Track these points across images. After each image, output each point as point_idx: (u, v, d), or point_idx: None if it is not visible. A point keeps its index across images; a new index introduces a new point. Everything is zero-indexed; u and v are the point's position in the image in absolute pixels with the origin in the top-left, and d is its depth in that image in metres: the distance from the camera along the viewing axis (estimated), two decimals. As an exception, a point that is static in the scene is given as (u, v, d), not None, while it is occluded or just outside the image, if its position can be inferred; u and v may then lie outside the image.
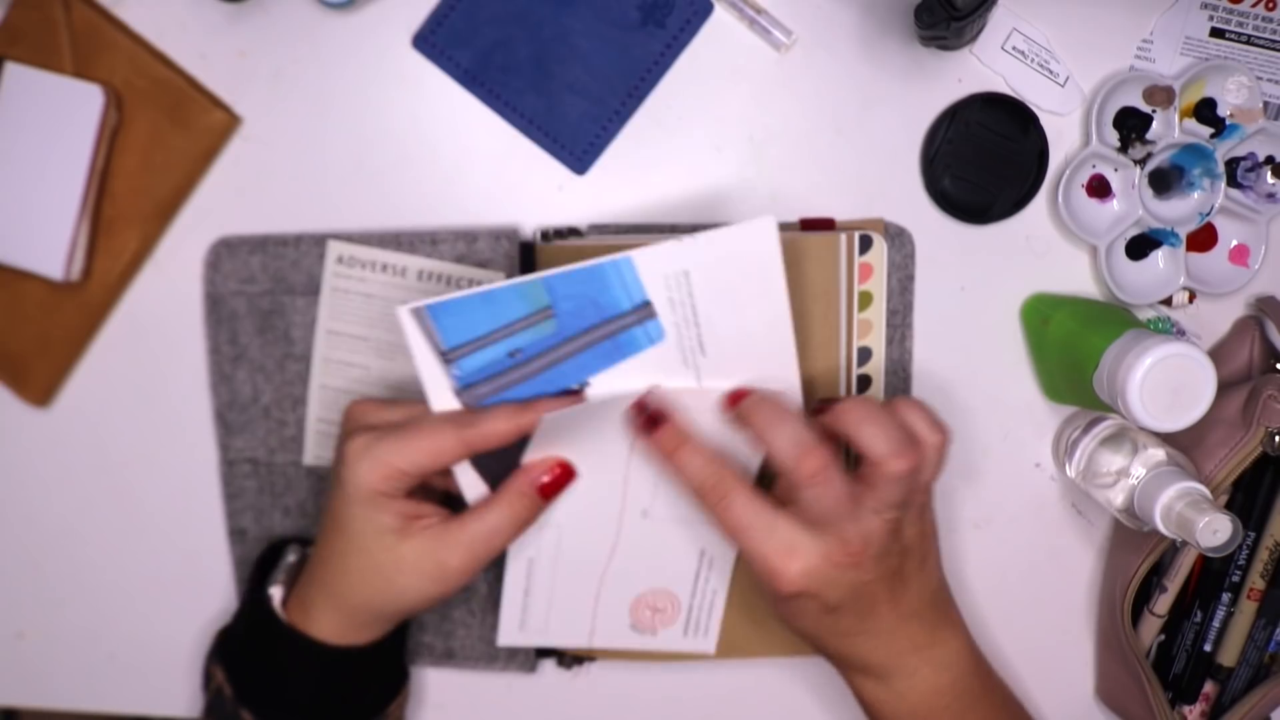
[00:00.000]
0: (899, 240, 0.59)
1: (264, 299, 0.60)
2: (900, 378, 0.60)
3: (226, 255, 0.60)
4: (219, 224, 0.61)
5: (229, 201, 0.61)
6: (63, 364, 0.62)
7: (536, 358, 0.50)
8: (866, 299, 0.58)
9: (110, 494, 0.63)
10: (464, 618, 0.62)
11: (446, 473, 0.52)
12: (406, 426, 0.50)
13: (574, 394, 0.51)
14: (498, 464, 0.52)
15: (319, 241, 0.59)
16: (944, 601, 0.55)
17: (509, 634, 0.58)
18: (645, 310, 0.49)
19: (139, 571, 0.64)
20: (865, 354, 0.59)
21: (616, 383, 0.51)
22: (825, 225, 0.59)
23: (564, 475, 0.52)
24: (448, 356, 0.49)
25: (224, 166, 0.60)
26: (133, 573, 0.64)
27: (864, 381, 0.59)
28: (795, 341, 0.52)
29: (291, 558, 0.57)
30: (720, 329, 0.50)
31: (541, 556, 0.56)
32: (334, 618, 0.53)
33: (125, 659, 0.65)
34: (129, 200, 0.60)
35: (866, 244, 0.58)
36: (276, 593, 0.54)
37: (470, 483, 0.52)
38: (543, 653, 0.63)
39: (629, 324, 0.50)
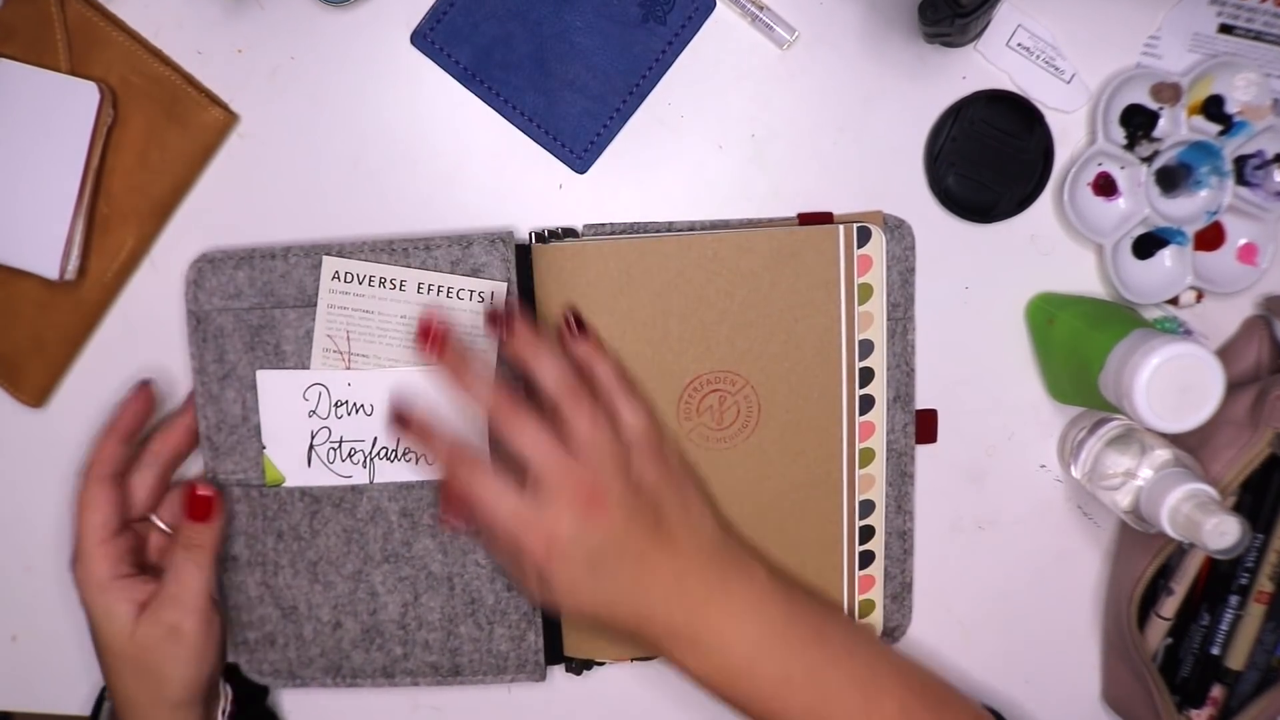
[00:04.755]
0: (898, 232, 0.59)
1: (252, 314, 0.58)
2: (903, 371, 0.60)
3: (210, 271, 0.58)
4: (216, 222, 0.60)
5: (226, 200, 0.60)
6: (58, 364, 0.61)
7: None
8: (866, 292, 0.58)
9: (106, 495, 0.63)
10: (471, 632, 0.61)
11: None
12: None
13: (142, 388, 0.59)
14: None
15: (309, 252, 0.58)
16: (729, 548, 0.55)
17: None
18: None
19: (135, 574, 0.63)
20: (866, 347, 0.58)
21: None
22: (823, 219, 0.59)
23: (198, 499, 0.57)
24: None
25: (221, 164, 0.60)
26: (129, 575, 0.63)
27: (866, 374, 0.58)
28: None
29: (109, 703, 0.59)
30: None
31: None
32: None
33: (121, 662, 0.64)
34: (125, 199, 0.59)
35: (865, 236, 0.57)
36: None
37: None
38: (551, 659, 0.62)
39: None
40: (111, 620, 0.55)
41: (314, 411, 0.59)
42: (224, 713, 0.59)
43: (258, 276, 0.58)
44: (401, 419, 0.56)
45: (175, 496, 0.60)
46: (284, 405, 0.58)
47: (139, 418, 0.59)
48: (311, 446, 0.59)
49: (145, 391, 0.59)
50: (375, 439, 0.59)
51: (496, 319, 0.56)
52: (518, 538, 0.52)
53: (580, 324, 0.57)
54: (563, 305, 0.57)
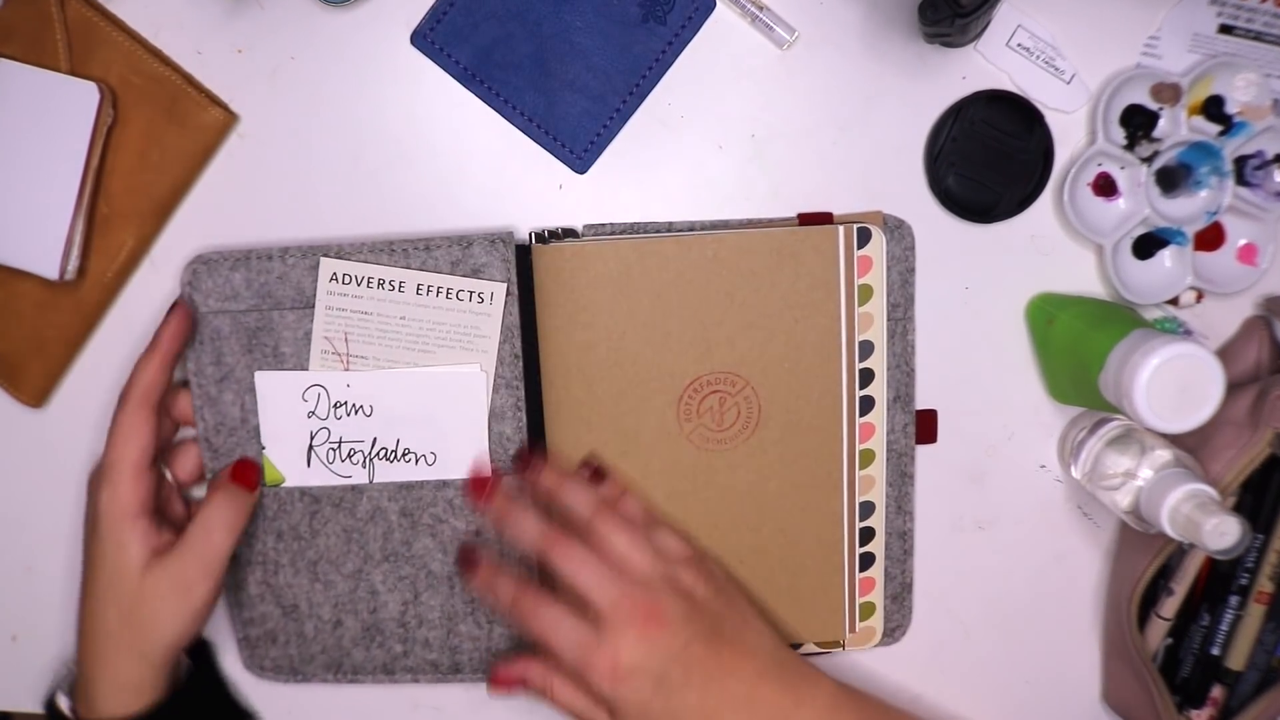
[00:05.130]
0: (898, 233, 0.59)
1: (249, 316, 0.58)
2: (903, 372, 0.60)
3: (205, 273, 0.58)
4: (215, 222, 0.60)
5: (226, 200, 0.60)
6: (57, 364, 0.61)
7: None
8: (866, 292, 0.58)
9: (106, 495, 0.63)
10: (471, 630, 0.61)
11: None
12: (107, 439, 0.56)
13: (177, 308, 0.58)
14: None
15: (306, 253, 0.58)
16: (793, 659, 0.54)
17: None
18: None
19: (135, 574, 0.63)
20: (866, 348, 0.58)
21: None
22: (823, 219, 0.59)
23: (247, 464, 0.58)
24: None
25: (221, 164, 0.60)
26: (129, 575, 0.63)
27: (866, 375, 0.58)
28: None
29: (70, 668, 0.59)
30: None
31: None
32: (102, 682, 0.55)
33: (121, 662, 0.64)
34: (125, 199, 0.59)
35: (865, 237, 0.57)
36: (63, 701, 0.57)
37: None
38: None
39: None
40: (124, 555, 0.54)
41: (313, 412, 0.59)
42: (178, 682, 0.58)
43: (254, 278, 0.58)
44: (469, 561, 0.57)
45: (189, 453, 0.59)
46: (283, 406, 0.58)
47: (179, 339, 0.57)
48: (311, 447, 0.59)
49: (182, 311, 0.57)
50: (374, 439, 0.59)
51: (524, 459, 0.58)
52: (584, 669, 0.51)
53: (601, 473, 0.59)
54: (584, 457, 0.59)
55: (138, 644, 0.55)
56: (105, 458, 0.56)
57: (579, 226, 0.60)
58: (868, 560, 0.61)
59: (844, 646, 0.62)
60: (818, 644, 0.62)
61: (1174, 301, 0.60)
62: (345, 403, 0.58)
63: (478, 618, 0.61)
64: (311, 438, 0.59)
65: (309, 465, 0.59)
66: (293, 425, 0.59)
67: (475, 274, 0.58)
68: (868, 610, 0.61)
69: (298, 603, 0.61)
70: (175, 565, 0.54)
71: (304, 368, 0.58)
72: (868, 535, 0.60)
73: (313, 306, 0.58)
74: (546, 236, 0.59)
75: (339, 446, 0.59)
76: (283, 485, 0.60)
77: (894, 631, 0.62)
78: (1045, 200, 0.60)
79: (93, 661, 0.55)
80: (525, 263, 0.58)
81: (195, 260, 0.58)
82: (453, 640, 0.61)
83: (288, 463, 0.59)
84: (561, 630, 0.52)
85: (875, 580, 0.61)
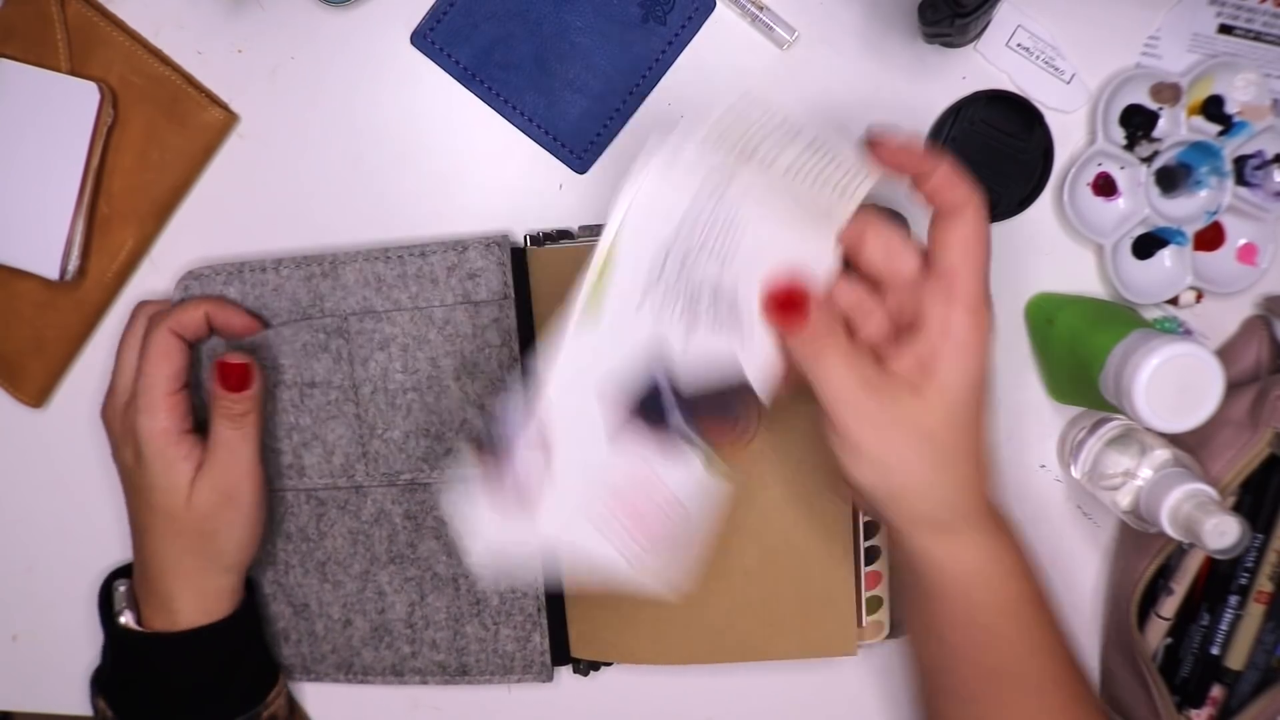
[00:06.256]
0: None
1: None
2: None
3: (198, 288, 0.58)
4: (216, 222, 0.60)
5: (226, 200, 0.60)
6: (58, 364, 0.61)
7: None
8: None
9: (104, 496, 0.63)
10: (477, 632, 0.61)
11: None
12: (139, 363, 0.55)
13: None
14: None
15: (300, 264, 0.58)
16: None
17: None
18: None
19: (135, 573, 0.63)
20: None
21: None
22: None
23: (231, 368, 0.54)
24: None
25: (221, 164, 0.60)
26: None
27: None
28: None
29: (123, 588, 0.59)
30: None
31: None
32: (185, 594, 0.56)
33: (121, 662, 0.64)
34: (125, 199, 0.59)
35: None
36: (127, 617, 0.57)
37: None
38: (558, 660, 0.62)
39: None
40: (173, 476, 0.54)
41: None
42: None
43: (249, 291, 0.58)
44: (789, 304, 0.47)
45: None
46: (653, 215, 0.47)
47: (231, 314, 0.57)
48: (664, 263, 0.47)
49: (246, 319, 0.58)
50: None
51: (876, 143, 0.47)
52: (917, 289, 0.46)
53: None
54: None
55: (210, 559, 0.56)
56: (139, 383, 0.55)
57: (574, 228, 0.60)
58: (873, 554, 0.61)
59: (856, 653, 0.61)
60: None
61: (1174, 301, 0.60)
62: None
63: (483, 619, 0.61)
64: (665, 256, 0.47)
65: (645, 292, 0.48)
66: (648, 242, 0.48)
67: (472, 278, 0.57)
68: (874, 604, 0.61)
69: (308, 601, 0.61)
70: (214, 481, 0.55)
71: (305, 379, 0.58)
72: (872, 529, 0.60)
73: (309, 318, 0.58)
74: (541, 239, 0.59)
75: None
76: (286, 488, 0.60)
77: (900, 624, 0.62)
78: (1045, 200, 0.60)
79: (169, 579, 0.56)
80: (521, 265, 0.58)
81: (187, 276, 0.58)
82: (459, 642, 0.61)
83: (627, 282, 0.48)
84: (907, 250, 0.46)
85: (881, 574, 0.61)
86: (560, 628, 0.62)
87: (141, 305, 0.58)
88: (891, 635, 0.62)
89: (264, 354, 0.58)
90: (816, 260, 0.48)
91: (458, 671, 0.62)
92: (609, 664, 0.63)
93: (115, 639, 0.58)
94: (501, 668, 0.61)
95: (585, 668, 0.63)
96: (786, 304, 0.47)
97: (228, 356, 0.55)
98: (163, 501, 0.55)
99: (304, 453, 0.60)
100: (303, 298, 0.58)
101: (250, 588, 0.61)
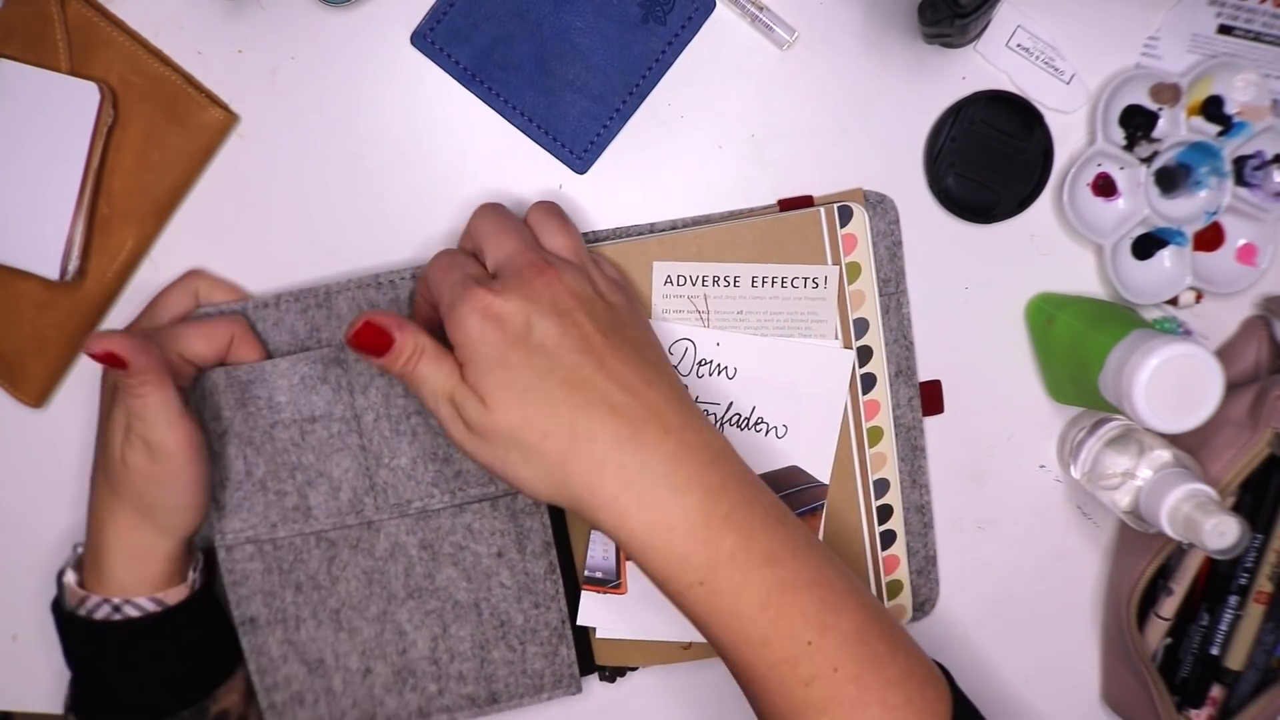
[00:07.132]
0: (880, 207, 0.59)
1: (241, 368, 0.56)
2: (902, 345, 0.60)
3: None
4: (216, 223, 0.60)
5: (226, 200, 0.60)
6: (58, 364, 0.61)
7: None
8: (855, 270, 0.58)
9: (106, 495, 0.63)
10: (504, 655, 0.59)
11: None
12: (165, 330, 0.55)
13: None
14: None
15: (298, 296, 0.57)
16: (690, 403, 0.50)
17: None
18: None
19: (135, 574, 0.63)
20: (862, 325, 0.58)
21: None
22: (803, 203, 0.59)
23: (106, 357, 0.51)
24: None
25: (221, 165, 0.60)
26: (129, 575, 0.63)
27: (865, 353, 0.58)
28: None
29: (79, 550, 0.58)
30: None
31: None
32: (115, 548, 0.54)
33: (121, 662, 0.64)
34: (125, 199, 0.59)
35: (847, 215, 0.57)
36: (70, 576, 0.56)
37: None
38: (585, 669, 0.61)
39: None
40: (111, 436, 0.54)
41: (676, 366, 0.58)
42: (195, 568, 0.57)
43: (253, 327, 0.57)
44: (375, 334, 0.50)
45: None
46: None
47: (250, 350, 0.57)
48: None
49: (248, 340, 0.58)
50: (730, 404, 0.58)
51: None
52: (459, 299, 0.48)
53: None
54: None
55: (144, 510, 0.54)
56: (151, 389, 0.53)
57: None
58: (889, 538, 0.60)
59: None
60: None
61: (1173, 301, 0.60)
62: (710, 360, 0.58)
63: (509, 640, 0.59)
64: None
65: None
66: None
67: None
68: (895, 589, 0.61)
69: (323, 656, 0.59)
70: (136, 432, 0.53)
71: (304, 413, 0.57)
72: (886, 513, 0.60)
73: (308, 348, 0.57)
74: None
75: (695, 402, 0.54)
76: (297, 532, 0.58)
77: (924, 605, 0.62)
78: (1045, 200, 0.60)
79: (104, 533, 0.54)
80: None
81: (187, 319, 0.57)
82: (487, 669, 0.59)
83: None
84: (454, 268, 0.50)
85: (899, 558, 0.61)
86: (583, 637, 0.61)
87: (193, 274, 0.59)
88: (915, 617, 0.62)
89: (258, 389, 0.56)
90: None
91: (487, 701, 0.60)
92: (634, 669, 0.63)
93: (57, 618, 0.57)
94: (532, 688, 0.60)
95: (612, 674, 0.62)
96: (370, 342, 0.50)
97: (93, 343, 0.52)
98: (103, 462, 0.54)
99: (309, 492, 0.57)
100: (300, 330, 0.57)
101: (209, 571, 0.59)
